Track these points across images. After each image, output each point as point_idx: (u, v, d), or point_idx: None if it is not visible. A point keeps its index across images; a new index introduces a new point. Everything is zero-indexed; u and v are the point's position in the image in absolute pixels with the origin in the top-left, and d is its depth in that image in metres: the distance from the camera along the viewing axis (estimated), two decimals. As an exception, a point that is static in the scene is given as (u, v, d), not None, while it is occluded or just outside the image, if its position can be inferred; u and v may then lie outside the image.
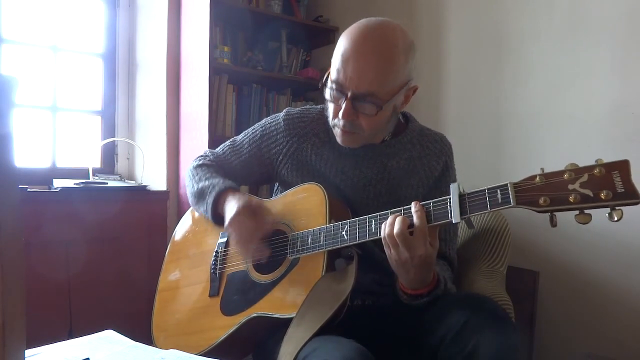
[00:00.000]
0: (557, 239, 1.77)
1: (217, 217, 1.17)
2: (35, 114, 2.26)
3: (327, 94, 1.08)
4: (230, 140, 1.33)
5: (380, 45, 1.01)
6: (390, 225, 0.93)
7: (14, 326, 0.54)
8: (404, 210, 0.95)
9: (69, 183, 2.07)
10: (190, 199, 1.27)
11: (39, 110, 2.26)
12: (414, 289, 0.98)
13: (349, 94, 1.02)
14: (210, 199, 1.16)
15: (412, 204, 0.94)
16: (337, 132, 1.10)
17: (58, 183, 2.06)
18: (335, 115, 1.07)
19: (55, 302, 1.95)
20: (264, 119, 1.29)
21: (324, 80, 1.08)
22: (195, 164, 1.30)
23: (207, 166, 1.28)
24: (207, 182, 1.20)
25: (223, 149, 1.32)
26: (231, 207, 1.10)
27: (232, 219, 1.08)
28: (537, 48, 1.86)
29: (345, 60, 1.01)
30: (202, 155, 1.34)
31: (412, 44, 1.06)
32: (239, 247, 1.13)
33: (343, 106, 1.03)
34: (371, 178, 1.16)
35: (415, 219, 0.92)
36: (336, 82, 1.04)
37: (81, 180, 2.14)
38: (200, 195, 1.21)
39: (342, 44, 1.03)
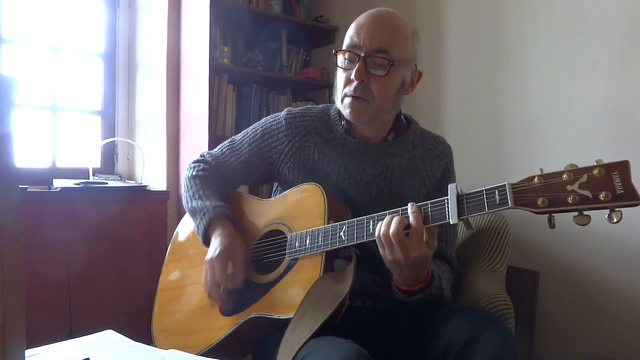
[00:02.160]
0: (557, 239, 1.77)
1: (207, 241, 1.17)
2: (35, 114, 2.26)
3: (339, 61, 1.12)
4: (229, 140, 1.32)
5: (391, 18, 1.12)
6: (386, 225, 0.93)
7: (14, 326, 0.54)
8: (401, 210, 0.95)
9: (69, 183, 2.07)
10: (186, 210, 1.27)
11: (39, 110, 2.26)
12: (408, 286, 1.00)
13: (363, 54, 1.07)
14: (201, 225, 1.16)
15: (409, 205, 0.94)
16: (346, 102, 1.11)
17: (58, 183, 2.06)
18: (347, 83, 1.10)
19: (55, 302, 1.95)
20: (264, 118, 1.28)
21: (333, 52, 1.14)
22: (189, 173, 1.28)
23: (201, 178, 1.25)
24: (199, 203, 1.19)
25: (222, 150, 1.31)
26: (213, 246, 1.12)
27: (209, 261, 1.11)
28: (537, 48, 1.86)
29: (360, 27, 1.10)
30: (198, 160, 1.31)
31: (416, 30, 1.15)
32: (208, 286, 1.12)
33: (356, 67, 1.07)
34: (374, 177, 1.16)
35: (411, 220, 0.92)
36: (350, 45, 1.10)
37: (81, 180, 2.14)
38: (192, 214, 1.21)
39: (355, 21, 1.12)
